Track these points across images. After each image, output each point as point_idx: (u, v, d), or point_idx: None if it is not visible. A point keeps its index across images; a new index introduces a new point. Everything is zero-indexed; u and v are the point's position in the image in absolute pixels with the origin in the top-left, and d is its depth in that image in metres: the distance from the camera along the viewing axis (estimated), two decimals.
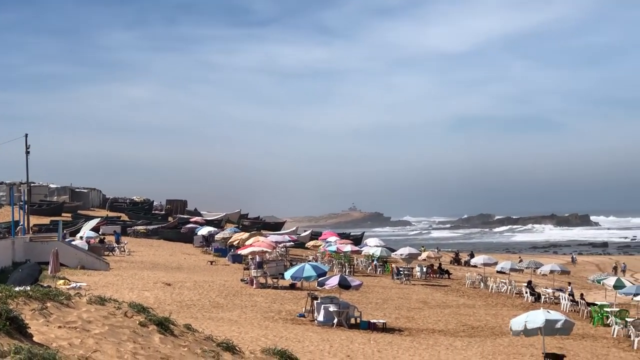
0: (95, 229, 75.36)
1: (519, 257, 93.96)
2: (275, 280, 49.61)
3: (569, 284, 55.65)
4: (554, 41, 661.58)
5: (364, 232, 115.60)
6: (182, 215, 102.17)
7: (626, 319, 39.46)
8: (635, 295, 40.70)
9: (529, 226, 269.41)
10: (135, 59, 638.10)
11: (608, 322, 41.44)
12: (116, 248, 67.37)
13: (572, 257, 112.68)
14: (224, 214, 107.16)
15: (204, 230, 79.21)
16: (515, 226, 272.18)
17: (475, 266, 70.31)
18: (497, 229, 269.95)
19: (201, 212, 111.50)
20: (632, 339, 35.88)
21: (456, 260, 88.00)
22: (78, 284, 40.23)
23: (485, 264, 63.04)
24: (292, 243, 72.19)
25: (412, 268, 63.18)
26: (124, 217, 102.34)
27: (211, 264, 62.38)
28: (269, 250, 57.08)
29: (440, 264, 70.01)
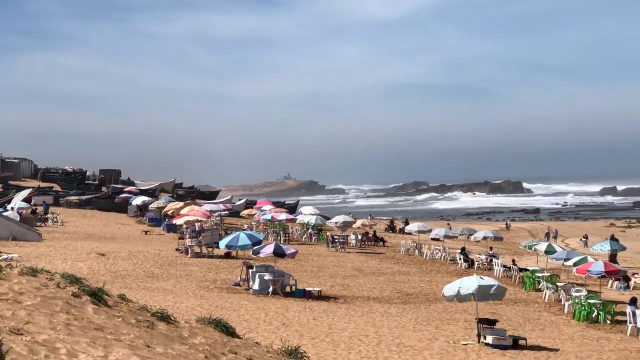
0: (27, 200, 74.29)
1: (448, 224, 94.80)
2: (210, 249, 49.45)
3: (490, 248, 56.41)
4: (486, 9, 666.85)
5: (298, 201, 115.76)
6: (115, 185, 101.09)
7: (557, 283, 40.16)
8: (566, 260, 41.44)
9: (463, 193, 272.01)
10: (67, 28, 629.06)
11: (539, 287, 42.10)
12: (49, 219, 66.52)
13: (507, 223, 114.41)
14: (158, 183, 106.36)
15: (138, 200, 78.50)
16: (449, 193, 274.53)
17: (409, 233, 70.82)
18: (431, 196, 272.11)
19: (135, 181, 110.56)
20: (562, 303, 36.53)
21: (391, 228, 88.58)
22: (9, 256, 39.59)
23: (419, 231, 63.52)
24: (226, 212, 71.92)
25: (347, 236, 63.43)
26: (57, 187, 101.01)
27: (146, 233, 61.96)
28: (204, 220, 56.83)
29: (375, 231, 70.39)
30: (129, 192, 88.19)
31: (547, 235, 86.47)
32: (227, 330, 14.89)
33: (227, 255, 48.22)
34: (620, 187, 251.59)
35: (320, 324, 28.58)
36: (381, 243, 65.72)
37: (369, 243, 65.25)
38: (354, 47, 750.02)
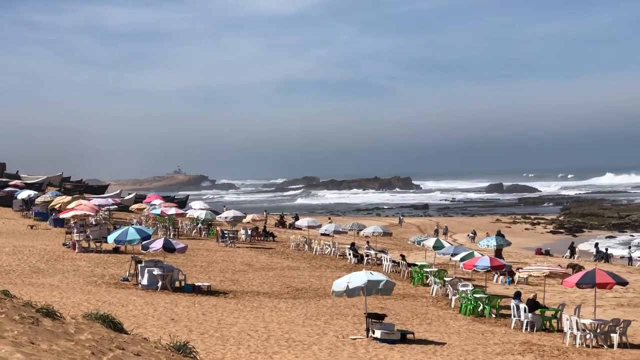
0: None
1: (329, 218, 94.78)
2: (98, 244, 48.72)
3: (368, 242, 56.97)
4: (381, 7, 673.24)
5: (188, 195, 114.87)
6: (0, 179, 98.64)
7: (444, 278, 40.79)
8: (453, 255, 42.14)
9: (353, 189, 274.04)
10: None
11: (427, 281, 42.72)
12: None
13: (399, 218, 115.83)
14: (45, 177, 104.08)
15: (23, 194, 76.76)
16: (339, 190, 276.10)
17: (299, 228, 70.98)
18: (321, 192, 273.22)
19: (21, 175, 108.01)
20: (449, 297, 37.13)
21: (281, 223, 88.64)
22: None
23: (309, 227, 63.78)
24: (115, 206, 70.89)
25: (237, 231, 63.25)
26: None
27: (31, 228, 60.65)
28: (92, 214, 55.89)
29: (265, 226, 70.38)
30: (14, 186, 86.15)
31: (436, 231, 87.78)
32: (115, 326, 14.69)
33: (116, 250, 47.58)
34: (506, 184, 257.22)
35: (209, 319, 28.44)
36: (271, 238, 65.75)
37: (259, 238, 65.21)
38: (249, 41, 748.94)
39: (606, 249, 68.30)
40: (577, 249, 69.37)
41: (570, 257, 65.52)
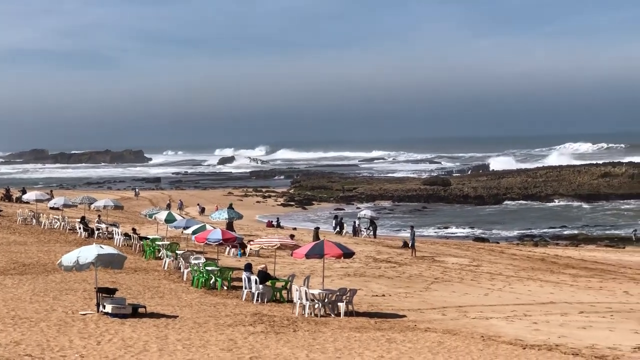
0: None
1: (50, 191, 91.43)
2: None
3: (99, 216, 56.30)
4: None
5: None
6: None
7: (176, 251, 40.73)
8: (185, 228, 42.11)
9: (84, 162, 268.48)
10: None
11: (159, 255, 42.50)
12: None
13: (135, 191, 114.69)
14: None
15: None
16: (69, 163, 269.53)
17: (27, 202, 68.52)
18: (50, 165, 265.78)
19: None
20: (181, 270, 37.13)
21: (7, 197, 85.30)
22: None
23: (37, 200, 61.69)
24: None
25: None
26: None
27: None
28: None
29: None
30: None
31: (169, 205, 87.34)
32: None
33: None
34: (236, 155, 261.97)
35: None
36: None
37: None
38: None
39: (354, 223, 68.71)
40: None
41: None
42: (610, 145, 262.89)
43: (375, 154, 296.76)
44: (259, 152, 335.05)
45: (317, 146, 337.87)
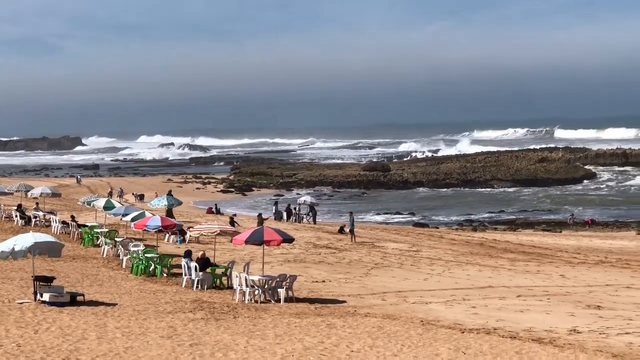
0: None
1: None
2: None
3: (37, 204, 55.73)
4: None
5: None
6: None
7: (115, 239, 40.40)
8: (124, 215, 41.80)
9: (20, 150, 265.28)
10: None
11: (98, 242, 42.13)
12: None
13: (77, 178, 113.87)
14: None
15: None
16: (5, 150, 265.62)
17: None
18: None
19: None
20: (120, 258, 36.85)
21: None
22: None
23: None
24: None
25: None
26: None
27: None
28: None
29: None
30: None
31: (110, 192, 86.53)
32: None
33: None
34: (177, 143, 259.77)
35: None
36: None
37: None
38: None
39: (295, 208, 68.58)
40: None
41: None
42: (516, 129, 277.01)
43: (292, 141, 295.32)
44: (184, 139, 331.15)
45: (242, 133, 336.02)
